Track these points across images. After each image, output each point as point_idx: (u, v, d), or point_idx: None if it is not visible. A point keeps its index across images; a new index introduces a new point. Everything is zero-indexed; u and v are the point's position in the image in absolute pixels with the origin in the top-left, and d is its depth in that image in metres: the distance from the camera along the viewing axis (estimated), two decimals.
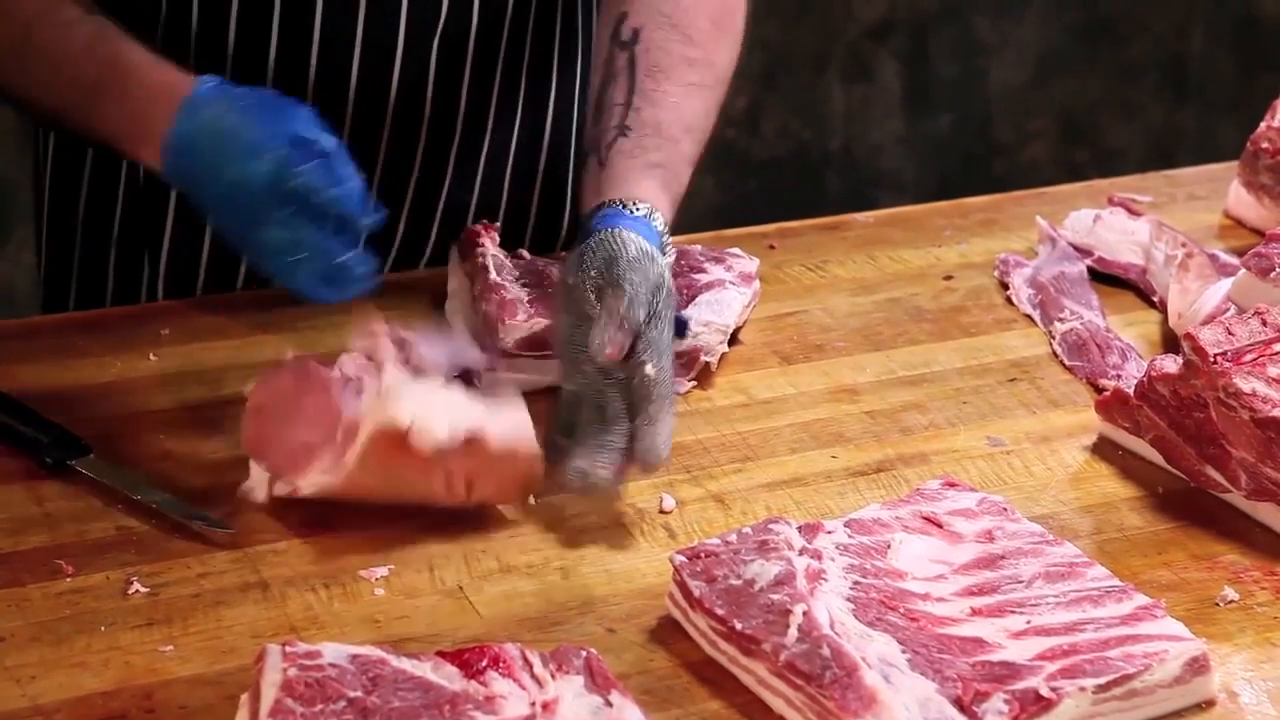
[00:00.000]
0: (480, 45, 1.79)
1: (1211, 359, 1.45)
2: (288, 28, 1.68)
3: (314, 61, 1.70)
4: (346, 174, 1.46)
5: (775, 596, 1.27)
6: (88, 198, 1.82)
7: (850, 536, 1.36)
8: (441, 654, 1.22)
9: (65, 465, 1.48)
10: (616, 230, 1.53)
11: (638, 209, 1.57)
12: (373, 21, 1.71)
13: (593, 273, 1.50)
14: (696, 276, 1.75)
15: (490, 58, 1.81)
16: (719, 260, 1.79)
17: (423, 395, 1.42)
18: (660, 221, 1.57)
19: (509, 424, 1.45)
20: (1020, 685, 1.21)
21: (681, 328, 1.57)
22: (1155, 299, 1.84)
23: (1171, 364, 1.50)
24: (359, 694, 1.17)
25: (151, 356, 1.68)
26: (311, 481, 1.44)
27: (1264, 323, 1.50)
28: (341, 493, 1.43)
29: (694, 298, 1.72)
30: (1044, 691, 1.20)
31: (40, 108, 1.59)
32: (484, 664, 1.21)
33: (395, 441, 1.40)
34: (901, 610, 1.29)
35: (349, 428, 1.42)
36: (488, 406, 1.45)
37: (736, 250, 1.82)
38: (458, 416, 1.42)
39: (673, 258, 1.61)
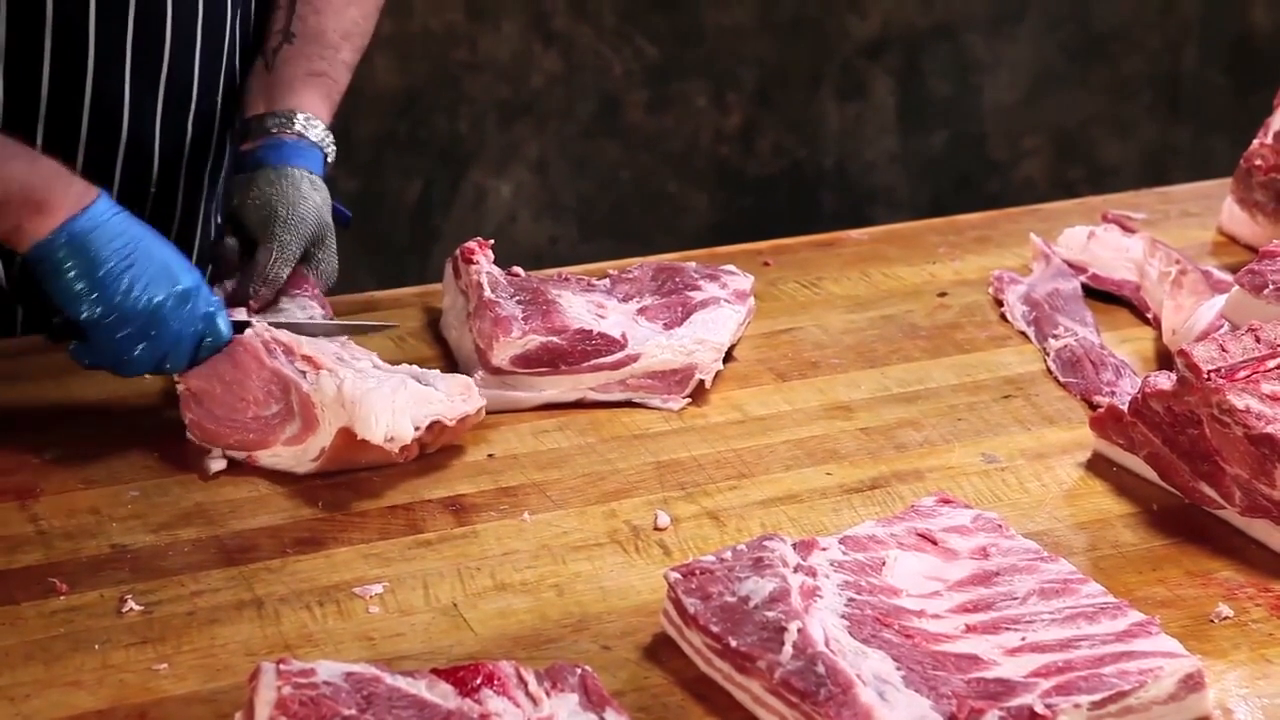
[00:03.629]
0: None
1: (1205, 375, 1.45)
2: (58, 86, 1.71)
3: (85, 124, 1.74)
4: (212, 307, 1.57)
5: (770, 613, 1.27)
6: None
7: (845, 553, 1.36)
8: (436, 672, 1.22)
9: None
10: (281, 170, 1.71)
11: (299, 125, 1.75)
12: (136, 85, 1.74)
13: (254, 224, 1.70)
14: (691, 294, 1.75)
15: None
16: (713, 277, 1.79)
17: (384, 399, 1.51)
18: (319, 130, 1.76)
19: (457, 391, 1.57)
20: (1015, 702, 1.20)
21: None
22: (1149, 315, 1.84)
23: (1165, 380, 1.50)
24: (354, 712, 1.17)
25: (145, 375, 1.68)
26: (273, 456, 1.54)
27: (1258, 339, 1.50)
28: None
29: (689, 315, 1.72)
30: (1039, 708, 1.20)
31: None
32: (479, 682, 1.21)
33: (358, 438, 1.50)
34: (896, 627, 1.29)
35: (306, 407, 1.52)
36: (436, 383, 1.57)
37: (731, 267, 1.82)
38: (418, 410, 1.53)
39: (331, 154, 1.78)
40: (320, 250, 1.73)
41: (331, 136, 1.78)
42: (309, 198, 1.70)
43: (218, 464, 1.54)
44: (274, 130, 1.75)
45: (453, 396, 1.57)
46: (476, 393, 1.59)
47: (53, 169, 1.54)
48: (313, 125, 1.75)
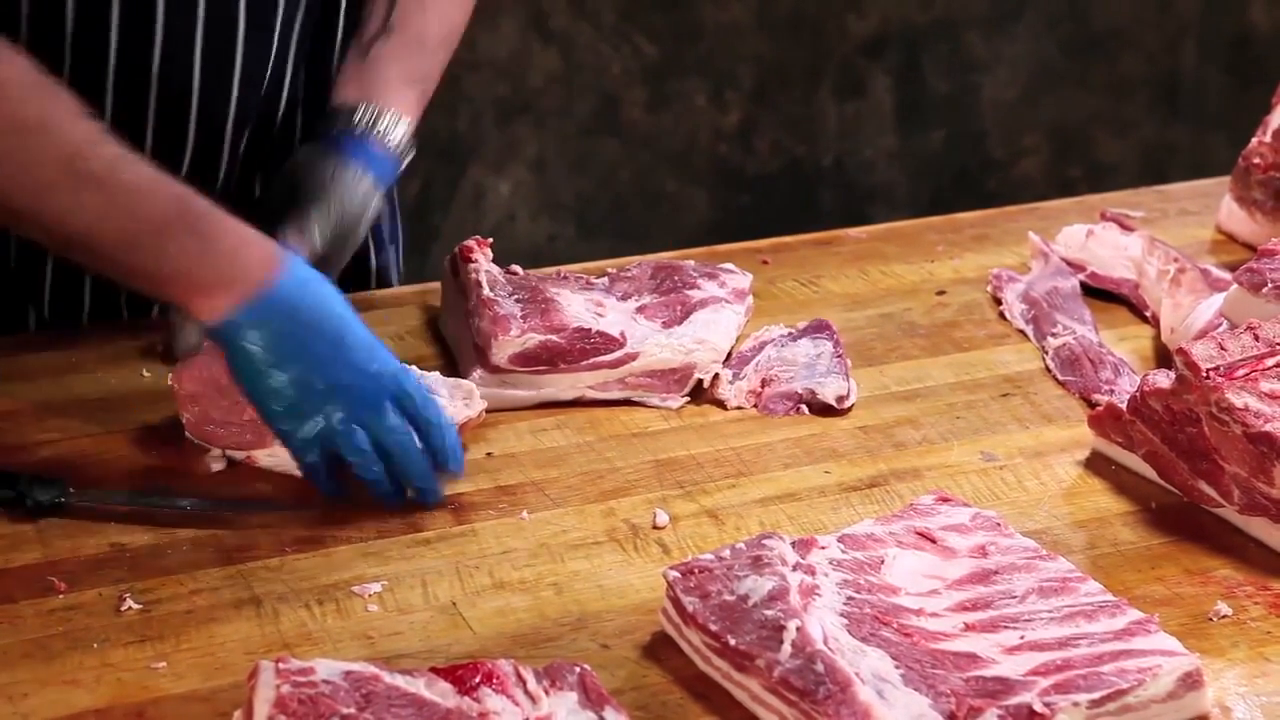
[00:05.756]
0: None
1: (1204, 374, 1.45)
2: (126, 41, 1.67)
3: (154, 80, 1.69)
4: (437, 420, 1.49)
5: (769, 612, 1.27)
6: None
7: (844, 552, 1.36)
8: (435, 670, 1.22)
9: (53, 505, 1.46)
10: (344, 161, 1.68)
11: (384, 124, 1.71)
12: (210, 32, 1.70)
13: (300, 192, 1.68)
14: (690, 292, 1.75)
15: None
16: (712, 276, 1.79)
17: None
18: (402, 134, 1.72)
19: (460, 396, 1.57)
20: (1014, 700, 1.20)
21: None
22: (1148, 314, 1.84)
23: (1164, 379, 1.50)
24: (352, 710, 1.17)
25: (144, 373, 1.68)
26: (271, 456, 1.53)
27: (1256, 338, 1.50)
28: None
29: (688, 314, 1.72)
30: (1037, 707, 1.20)
31: (73, 239, 1.44)
32: (477, 680, 1.21)
33: None
34: (895, 625, 1.29)
35: None
36: (438, 389, 1.56)
37: (730, 265, 1.82)
38: None
39: (406, 160, 1.74)
40: (340, 252, 1.68)
41: (413, 144, 1.73)
42: (353, 198, 1.67)
43: (217, 464, 1.54)
44: (359, 123, 1.70)
45: (455, 401, 1.57)
46: (478, 396, 1.59)
47: (234, 242, 1.45)
48: (397, 128, 1.71)
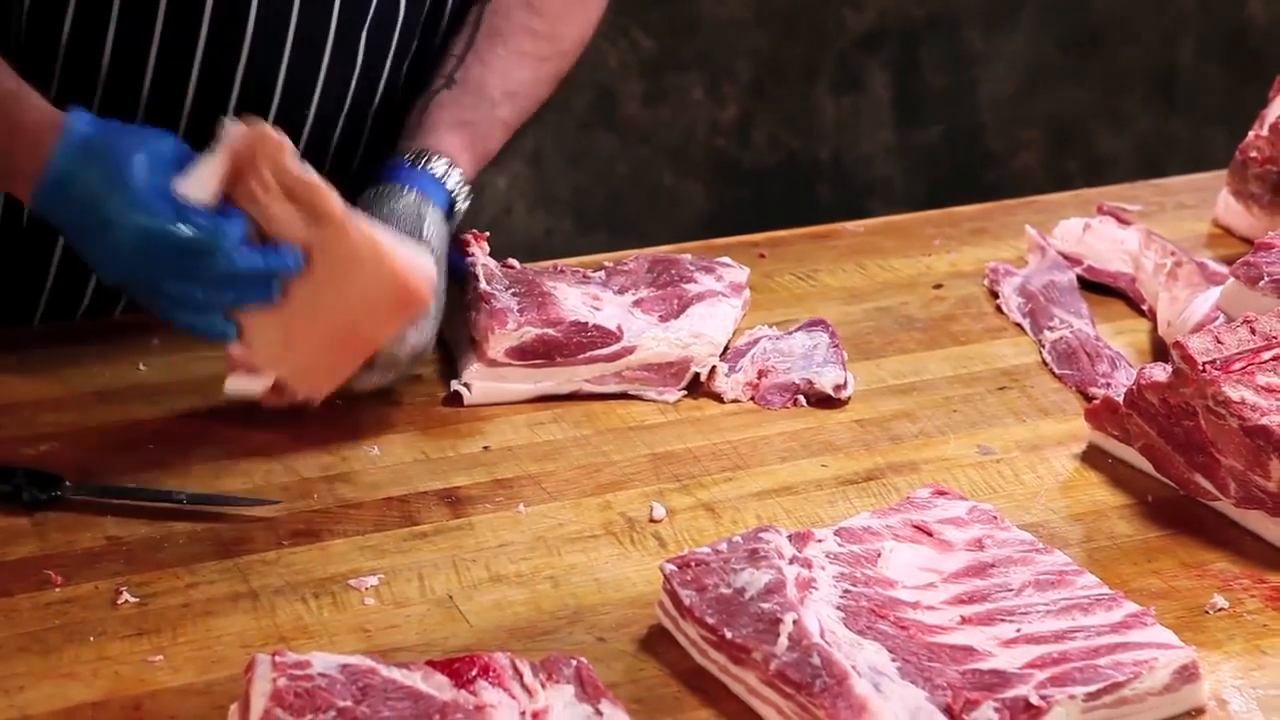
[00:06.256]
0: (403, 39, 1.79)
1: (1200, 367, 1.45)
2: (216, 29, 1.66)
3: (243, 59, 1.68)
4: (224, 229, 1.45)
5: (765, 605, 1.27)
6: None
7: (840, 545, 1.36)
8: (431, 663, 1.22)
9: (49, 499, 1.46)
10: (395, 189, 1.64)
11: (434, 164, 1.67)
12: (305, 14, 1.69)
13: None
14: (687, 286, 1.75)
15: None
16: (709, 270, 1.79)
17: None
18: (455, 177, 1.69)
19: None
20: (1010, 693, 1.21)
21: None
22: (1144, 307, 1.84)
23: (1161, 372, 1.50)
24: (349, 704, 1.17)
25: (141, 366, 1.68)
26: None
27: (1253, 331, 1.50)
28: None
29: (685, 307, 1.72)
30: (1034, 700, 1.20)
31: None
32: (474, 673, 1.21)
33: None
34: (892, 618, 1.29)
35: None
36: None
37: (727, 259, 1.82)
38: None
39: (464, 206, 1.72)
40: None
41: (466, 187, 1.71)
42: (415, 219, 1.63)
43: (241, 384, 1.53)
44: (406, 161, 1.68)
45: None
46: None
47: (5, 133, 1.46)
48: (440, 163, 1.68)
